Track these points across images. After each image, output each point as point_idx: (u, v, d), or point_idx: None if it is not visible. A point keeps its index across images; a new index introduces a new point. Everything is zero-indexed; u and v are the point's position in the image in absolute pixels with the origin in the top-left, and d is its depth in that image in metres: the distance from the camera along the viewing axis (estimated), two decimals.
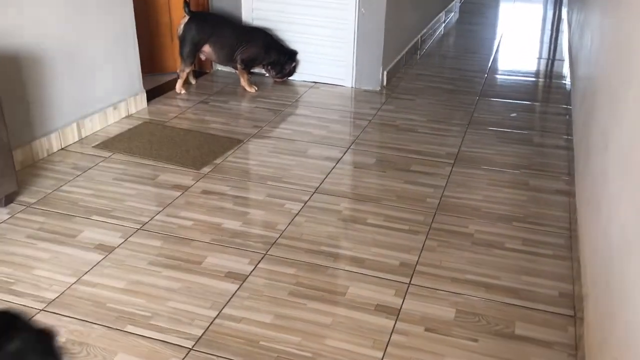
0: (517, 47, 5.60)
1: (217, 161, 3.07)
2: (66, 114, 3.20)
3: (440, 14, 5.99)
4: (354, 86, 4.23)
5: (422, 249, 2.37)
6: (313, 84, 4.28)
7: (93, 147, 3.20)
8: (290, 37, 4.27)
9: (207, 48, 3.97)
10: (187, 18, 3.90)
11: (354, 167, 3.06)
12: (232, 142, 3.30)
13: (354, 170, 3.03)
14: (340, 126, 3.57)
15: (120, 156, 3.11)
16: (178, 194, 2.75)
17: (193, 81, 4.26)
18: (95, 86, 3.37)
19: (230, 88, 4.19)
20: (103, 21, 3.33)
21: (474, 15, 6.95)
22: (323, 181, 2.90)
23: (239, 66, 4.08)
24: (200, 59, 4.18)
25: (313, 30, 4.18)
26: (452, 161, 3.12)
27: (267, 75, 4.30)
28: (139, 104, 3.74)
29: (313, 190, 2.81)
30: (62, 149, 3.17)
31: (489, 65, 4.87)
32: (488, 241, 2.43)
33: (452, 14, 6.66)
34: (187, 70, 4.01)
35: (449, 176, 2.96)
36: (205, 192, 2.78)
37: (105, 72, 3.43)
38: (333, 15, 4.10)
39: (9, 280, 2.16)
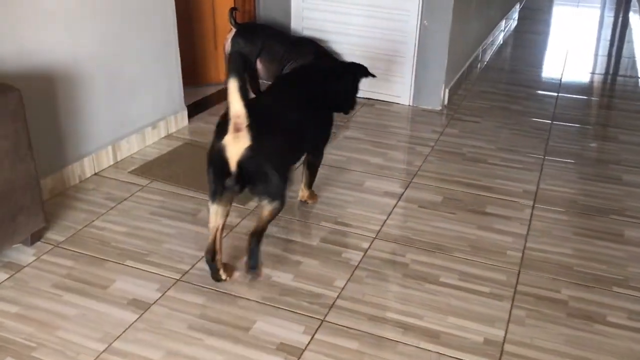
0: (586, 60, 5.15)
1: None
2: (101, 136, 2.92)
3: (501, 22, 5.56)
4: (411, 104, 3.86)
5: (508, 321, 2.01)
6: (367, 100, 3.92)
7: (129, 172, 2.92)
8: (344, 49, 3.92)
9: (258, 64, 3.65)
10: (234, 31, 3.59)
11: (418, 206, 2.70)
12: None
13: (418, 210, 2.67)
14: (399, 153, 3.21)
15: (158, 185, 2.81)
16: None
17: None
18: (133, 105, 3.08)
19: None
20: (143, 36, 3.04)
21: (535, 22, 6.48)
22: (384, 223, 2.55)
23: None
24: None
25: (368, 42, 3.82)
26: (531, 202, 2.74)
27: None
28: (179, 122, 3.44)
29: (374, 235, 2.47)
30: (95, 174, 2.89)
31: (559, 82, 4.44)
32: (586, 313, 2.05)
33: (512, 21, 6.21)
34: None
35: (529, 221, 2.58)
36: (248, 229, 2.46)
37: (145, 90, 3.14)
38: (392, 27, 3.73)
39: (30, 344, 1.87)
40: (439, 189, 2.84)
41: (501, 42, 5.54)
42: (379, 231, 2.49)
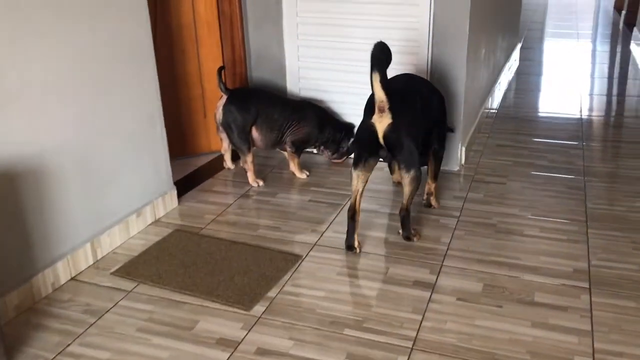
0: (605, 102, 4.83)
1: (271, 294, 2.32)
2: (77, 233, 2.49)
3: (505, 65, 5.26)
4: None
5: None
6: None
7: (112, 273, 2.48)
8: (346, 110, 3.57)
9: (254, 132, 3.28)
10: (224, 98, 3.22)
11: (456, 298, 2.28)
12: (287, 260, 2.55)
13: (458, 304, 2.25)
14: (423, 227, 2.81)
15: (146, 288, 2.38)
16: (225, 357, 2.00)
17: (231, 165, 3.56)
18: (113, 192, 2.67)
19: (276, 174, 3.47)
20: (121, 113, 2.66)
21: (535, 63, 6.20)
22: (420, 326, 2.12)
23: (288, 149, 3.37)
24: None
25: None
26: (587, 285, 2.33)
27: (321, 154, 3.58)
28: (168, 204, 3.03)
29: (409, 344, 2.03)
30: (72, 278, 2.45)
31: (581, 129, 4.09)
32: None
33: (513, 62, 5.93)
34: (249, 157, 3.28)
35: (591, 312, 2.17)
36: (261, 352, 2.02)
37: (127, 173, 2.74)
38: None
39: None
40: (476, 273, 2.43)
41: (506, 86, 5.23)
42: (416, 337, 2.06)
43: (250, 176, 3.31)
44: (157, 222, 2.93)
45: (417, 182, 2.58)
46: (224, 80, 3.23)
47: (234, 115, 3.18)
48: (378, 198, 3.11)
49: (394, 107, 2.44)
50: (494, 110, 4.51)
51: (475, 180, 3.29)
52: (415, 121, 2.58)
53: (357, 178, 2.58)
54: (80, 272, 2.49)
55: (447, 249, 2.62)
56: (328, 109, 3.55)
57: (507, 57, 5.39)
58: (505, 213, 2.92)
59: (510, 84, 5.36)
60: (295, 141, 3.34)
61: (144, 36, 2.73)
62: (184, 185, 3.27)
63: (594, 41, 7.35)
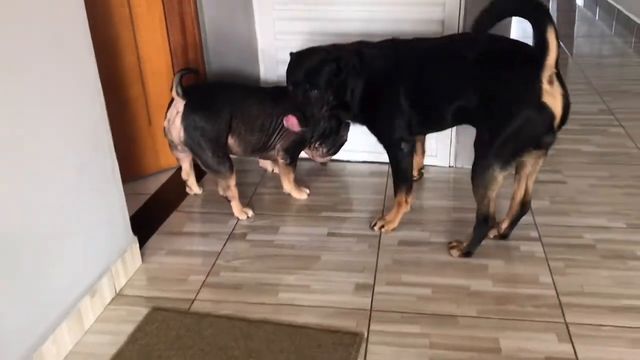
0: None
1: None
2: (7, 351, 1.50)
3: None
4: (453, 165, 2.72)
5: None
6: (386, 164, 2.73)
7: None
8: None
9: (229, 141, 2.35)
10: (181, 105, 2.24)
11: None
12: (344, 344, 1.69)
13: None
14: (504, 260, 2.05)
15: None
16: None
17: (198, 190, 2.60)
18: (53, 273, 1.67)
19: (263, 196, 2.57)
20: (55, 146, 1.65)
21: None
22: None
23: (281, 161, 2.47)
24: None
25: None
26: None
27: (311, 157, 2.70)
28: (129, 265, 2.05)
29: None
30: None
31: (602, 100, 3.49)
32: None
33: None
34: (232, 180, 2.34)
35: None
36: None
37: (69, 238, 1.74)
38: None
39: None
40: (620, 331, 1.70)
41: None
42: None
43: (236, 206, 2.39)
44: (119, 297, 1.95)
45: None
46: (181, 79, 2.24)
47: (201, 126, 2.22)
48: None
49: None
50: None
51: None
52: None
53: (501, 182, 1.92)
54: None
55: (557, 293, 1.88)
56: None
57: None
58: (593, 226, 2.22)
59: None
60: (289, 146, 2.44)
61: (78, 17, 1.72)
62: (139, 227, 2.25)
63: None
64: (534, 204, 2.35)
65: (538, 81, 1.73)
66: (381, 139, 2.17)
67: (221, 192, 2.38)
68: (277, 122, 2.39)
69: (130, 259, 2.06)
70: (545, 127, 1.79)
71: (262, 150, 2.45)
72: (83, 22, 1.75)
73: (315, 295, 1.92)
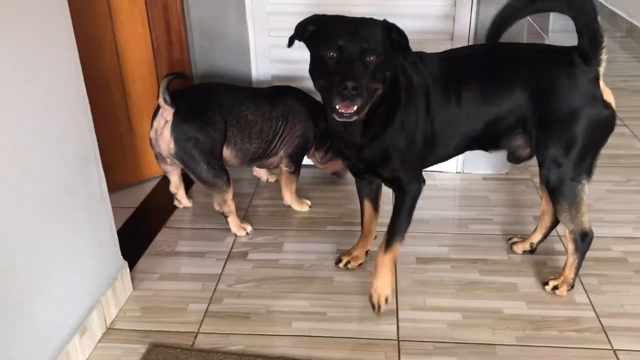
0: None
1: None
2: None
3: None
4: (461, 171, 2.56)
5: None
6: None
7: None
8: None
9: (225, 153, 2.11)
10: (169, 113, 2.00)
11: None
12: None
13: None
14: (531, 278, 1.89)
15: None
16: None
17: (188, 203, 2.37)
18: (38, 313, 1.43)
19: (259, 209, 2.35)
20: (36, 164, 1.40)
21: None
22: None
23: (284, 169, 2.25)
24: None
25: None
26: None
27: (312, 161, 2.48)
28: (121, 294, 1.81)
29: None
30: None
31: None
32: None
33: None
34: (229, 194, 2.11)
35: None
36: None
37: (56, 271, 1.50)
38: None
39: None
40: None
41: None
42: None
43: (234, 222, 2.16)
44: (111, 331, 1.71)
45: None
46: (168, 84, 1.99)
47: (194, 137, 2.00)
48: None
49: None
50: None
51: (539, 187, 2.42)
52: None
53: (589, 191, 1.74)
54: None
55: (597, 315, 1.73)
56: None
57: None
58: (620, 236, 2.09)
59: None
60: (293, 152, 2.23)
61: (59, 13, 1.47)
62: (125, 247, 1.97)
63: None
64: None
65: (597, 79, 1.59)
66: (404, 172, 1.69)
67: (217, 207, 2.15)
68: (277, 127, 2.18)
69: (121, 286, 1.82)
70: (612, 125, 1.65)
71: (262, 158, 2.23)
72: (67, 25, 1.51)
73: (334, 324, 1.72)
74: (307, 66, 1.58)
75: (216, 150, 2.05)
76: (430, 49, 1.82)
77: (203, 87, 2.31)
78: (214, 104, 2.08)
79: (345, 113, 1.44)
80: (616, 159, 2.63)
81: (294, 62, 2.49)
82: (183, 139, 1.99)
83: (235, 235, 2.16)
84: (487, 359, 1.58)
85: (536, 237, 1.98)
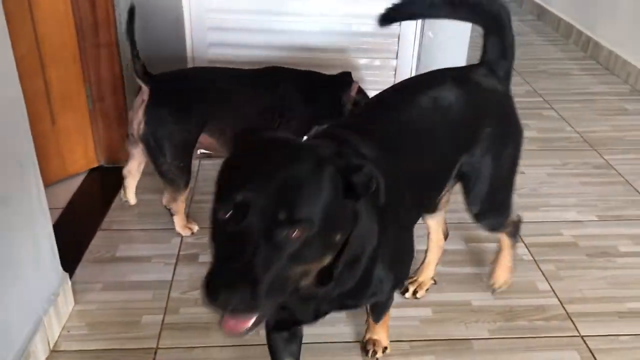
0: None
1: None
2: None
3: None
4: None
5: None
6: None
7: None
8: None
9: (205, 138, 1.94)
10: (146, 92, 1.82)
11: None
12: None
13: None
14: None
15: None
16: None
17: (134, 200, 2.16)
18: None
19: (204, 204, 2.19)
20: None
21: None
22: None
23: None
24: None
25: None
26: None
27: None
28: (63, 310, 1.62)
29: None
30: None
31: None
32: None
33: None
34: (183, 195, 1.95)
35: None
36: None
37: None
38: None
39: None
40: (636, 342, 1.63)
41: None
42: None
43: (180, 221, 2.00)
44: (55, 354, 1.53)
45: None
46: (140, 59, 1.79)
47: (168, 125, 1.82)
48: None
49: None
50: None
51: None
52: None
53: None
54: None
55: (560, 302, 1.75)
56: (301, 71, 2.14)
57: None
58: (567, 220, 2.14)
59: None
60: None
61: None
62: (59, 256, 1.80)
63: None
64: None
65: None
66: (389, 280, 1.20)
67: (164, 202, 1.98)
68: (272, 120, 2.01)
69: (63, 302, 1.62)
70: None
71: None
72: None
73: (307, 329, 1.63)
74: (248, 36, 1.43)
75: (187, 146, 1.89)
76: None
77: (192, 71, 2.10)
78: (199, 93, 1.90)
79: (235, 332, 0.90)
80: (550, 142, 2.70)
81: (234, 47, 2.35)
82: (155, 124, 1.82)
83: (179, 236, 2.00)
84: (464, 355, 1.56)
85: (427, 273, 1.79)
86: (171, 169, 1.87)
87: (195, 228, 2.03)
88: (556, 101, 3.14)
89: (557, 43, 4.14)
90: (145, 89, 1.81)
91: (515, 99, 1.53)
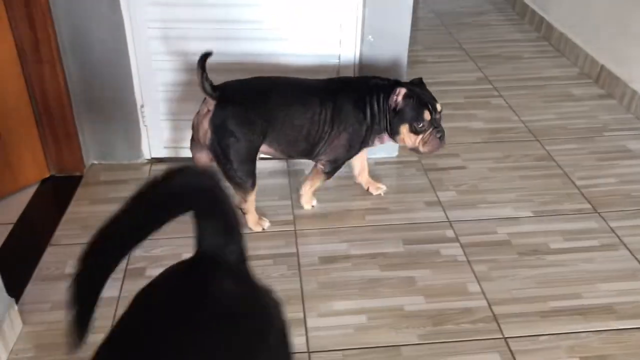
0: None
1: None
2: None
3: None
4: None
5: None
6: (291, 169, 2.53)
7: None
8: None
9: (264, 148, 2.07)
10: (212, 103, 1.92)
11: None
12: None
13: None
14: (430, 270, 1.98)
15: None
16: None
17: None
18: None
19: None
20: None
21: None
22: None
23: (320, 166, 2.17)
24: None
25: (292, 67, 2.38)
26: None
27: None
28: (9, 335, 1.69)
29: None
30: None
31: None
32: None
33: None
34: (251, 195, 2.08)
35: None
36: None
37: None
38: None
39: None
40: (555, 339, 1.73)
41: None
42: None
43: (252, 218, 2.15)
44: None
45: None
46: (209, 80, 1.89)
47: (233, 134, 1.93)
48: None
49: None
50: None
51: (428, 169, 2.51)
52: None
53: None
54: None
55: (488, 304, 1.86)
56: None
57: None
58: (503, 217, 2.23)
59: None
60: (333, 160, 2.14)
61: None
62: (7, 274, 1.84)
63: None
64: (442, 196, 2.32)
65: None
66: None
67: (237, 202, 2.06)
68: (323, 132, 2.06)
69: (10, 327, 1.69)
70: None
71: (304, 156, 2.16)
72: None
73: None
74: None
75: (251, 152, 1.99)
76: None
77: (253, 82, 2.09)
78: (260, 104, 1.99)
79: None
80: (495, 133, 2.78)
81: (176, 41, 2.38)
82: (221, 133, 1.93)
83: None
84: None
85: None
86: (237, 174, 1.99)
87: (267, 224, 2.17)
88: (505, 88, 3.20)
89: (514, 22, 4.17)
90: (210, 101, 1.91)
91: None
